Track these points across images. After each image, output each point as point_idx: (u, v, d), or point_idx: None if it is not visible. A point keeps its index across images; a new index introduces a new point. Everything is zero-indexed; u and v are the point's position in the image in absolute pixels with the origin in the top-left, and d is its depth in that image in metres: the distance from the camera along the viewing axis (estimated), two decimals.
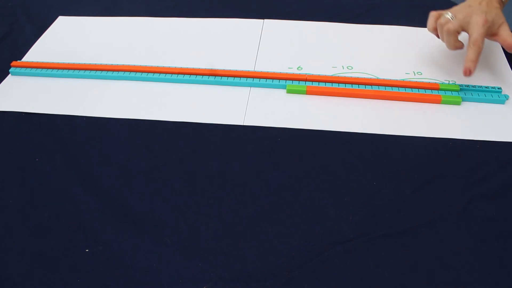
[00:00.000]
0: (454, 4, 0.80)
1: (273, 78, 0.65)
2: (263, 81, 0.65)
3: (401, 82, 0.64)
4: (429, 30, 0.64)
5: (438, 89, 0.62)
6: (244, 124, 0.60)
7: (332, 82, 0.65)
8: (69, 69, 0.69)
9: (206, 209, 0.50)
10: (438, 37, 0.64)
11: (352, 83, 0.64)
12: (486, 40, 0.70)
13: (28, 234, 0.49)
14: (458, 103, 0.61)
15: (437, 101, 0.61)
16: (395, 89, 0.63)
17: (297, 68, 0.68)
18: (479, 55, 0.59)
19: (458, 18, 0.60)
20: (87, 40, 0.76)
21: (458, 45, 0.61)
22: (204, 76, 0.66)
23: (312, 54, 0.71)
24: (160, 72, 0.67)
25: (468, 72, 0.59)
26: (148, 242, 0.48)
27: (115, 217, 0.50)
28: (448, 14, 0.61)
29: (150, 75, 0.67)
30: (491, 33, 0.61)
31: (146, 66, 0.68)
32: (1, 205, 0.52)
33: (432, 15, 0.63)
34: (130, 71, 0.68)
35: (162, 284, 0.44)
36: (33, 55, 0.74)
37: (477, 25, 0.58)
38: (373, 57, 0.69)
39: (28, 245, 0.48)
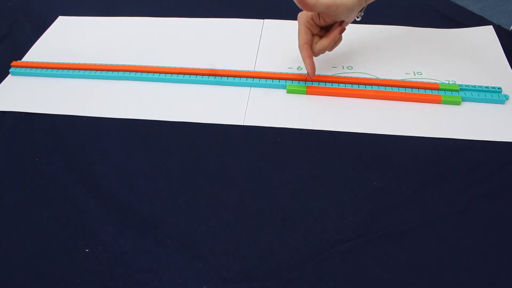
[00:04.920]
0: (454, 4, 0.80)
1: (273, 78, 0.65)
2: (263, 81, 0.65)
3: (401, 82, 0.64)
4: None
5: (438, 89, 0.62)
6: (244, 124, 0.60)
7: (332, 82, 0.64)
8: (69, 69, 0.69)
9: (206, 209, 0.50)
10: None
11: (352, 83, 0.64)
12: (485, 40, 0.71)
13: (28, 234, 0.49)
14: (458, 103, 0.61)
15: (437, 101, 0.61)
16: (395, 89, 0.63)
17: (297, 68, 0.68)
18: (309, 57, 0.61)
19: None
20: (87, 40, 0.76)
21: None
22: (204, 76, 0.66)
23: None
24: (160, 72, 0.67)
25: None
26: (148, 242, 0.48)
27: (115, 217, 0.50)
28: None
29: (150, 75, 0.67)
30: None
31: (146, 66, 0.68)
32: (1, 205, 0.52)
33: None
34: (130, 71, 0.68)
35: (162, 284, 0.44)
36: (33, 55, 0.73)
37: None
38: (373, 57, 0.69)
39: (28, 245, 0.48)
